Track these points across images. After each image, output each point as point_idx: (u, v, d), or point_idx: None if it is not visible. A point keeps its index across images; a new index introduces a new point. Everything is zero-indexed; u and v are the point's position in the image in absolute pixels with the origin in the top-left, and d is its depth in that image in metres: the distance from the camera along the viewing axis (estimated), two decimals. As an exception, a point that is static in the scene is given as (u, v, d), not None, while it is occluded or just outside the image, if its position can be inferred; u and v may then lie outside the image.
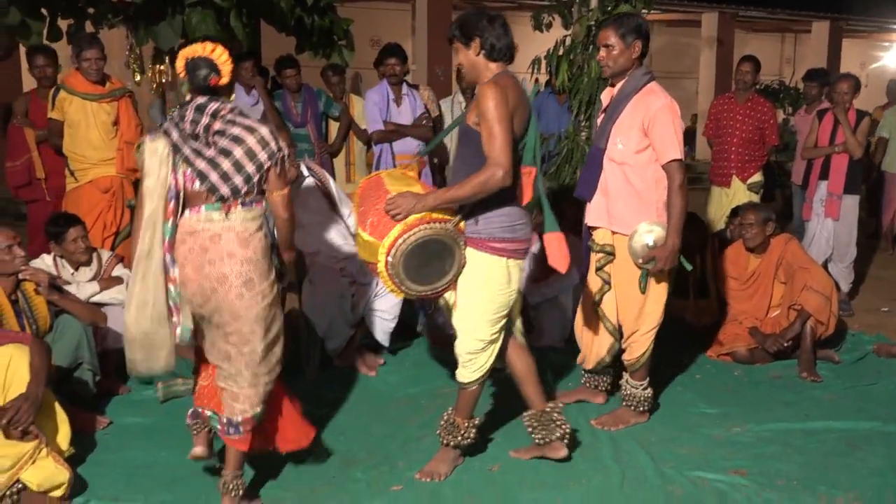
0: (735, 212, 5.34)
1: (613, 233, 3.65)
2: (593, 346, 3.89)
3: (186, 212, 2.90)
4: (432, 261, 3.05)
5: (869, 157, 7.45)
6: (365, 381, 4.41)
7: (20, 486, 2.93)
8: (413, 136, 5.99)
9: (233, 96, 3.02)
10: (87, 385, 3.88)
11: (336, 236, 4.64)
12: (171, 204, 2.86)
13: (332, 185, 4.80)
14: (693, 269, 5.01)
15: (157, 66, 7.42)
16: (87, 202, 5.03)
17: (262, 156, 2.88)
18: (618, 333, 3.78)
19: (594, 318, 3.82)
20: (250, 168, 2.86)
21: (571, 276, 4.55)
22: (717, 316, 5.02)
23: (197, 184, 2.86)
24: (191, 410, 3.14)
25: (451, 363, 3.35)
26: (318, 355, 4.50)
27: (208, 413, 3.05)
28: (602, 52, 3.59)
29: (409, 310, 4.86)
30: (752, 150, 6.07)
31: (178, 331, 2.90)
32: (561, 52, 5.47)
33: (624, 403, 3.81)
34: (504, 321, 3.20)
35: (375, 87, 6.08)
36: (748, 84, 6.12)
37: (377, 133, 5.93)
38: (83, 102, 5.02)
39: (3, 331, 3.37)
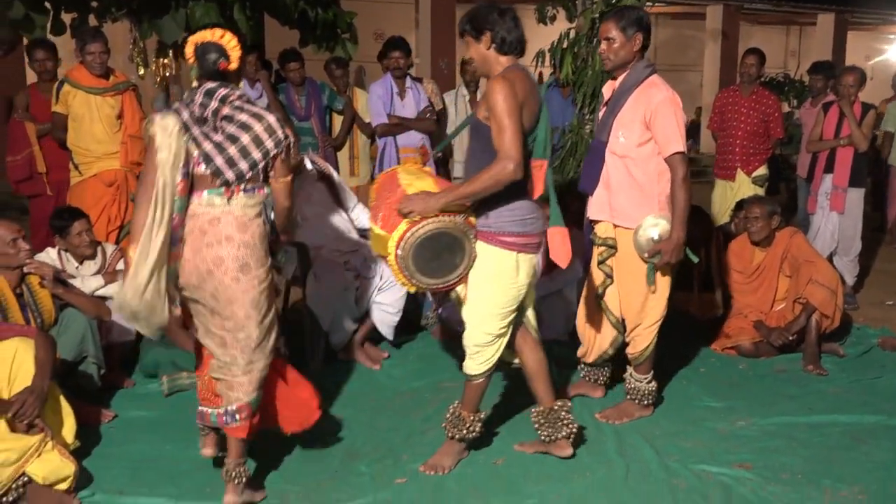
0: (740, 205, 5.32)
1: (615, 226, 3.64)
2: (595, 340, 3.88)
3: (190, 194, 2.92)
4: (443, 254, 3.06)
5: (875, 150, 7.42)
6: (369, 374, 4.41)
7: (26, 478, 2.94)
8: (417, 129, 5.99)
9: (241, 84, 3.03)
10: (91, 378, 3.89)
11: (340, 230, 4.64)
12: (183, 181, 2.87)
13: (336, 178, 4.80)
14: (698, 263, 5.02)
15: (161, 59, 7.42)
16: (92, 196, 5.04)
17: (269, 143, 2.92)
18: (621, 326, 3.78)
19: (597, 311, 3.82)
20: (256, 155, 2.90)
21: (576, 270, 4.55)
22: (721, 309, 5.02)
23: (202, 167, 2.89)
24: (198, 410, 3.14)
25: (455, 357, 3.36)
26: (323, 349, 4.51)
27: (209, 411, 3.06)
28: (603, 46, 3.58)
29: (414, 303, 4.86)
30: (756, 143, 6.05)
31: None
32: (565, 45, 5.46)
33: (628, 397, 3.81)
34: (513, 315, 3.19)
35: (379, 80, 6.07)
36: (753, 77, 6.10)
37: (381, 126, 5.93)
38: (87, 96, 5.02)
39: (9, 324, 3.38)
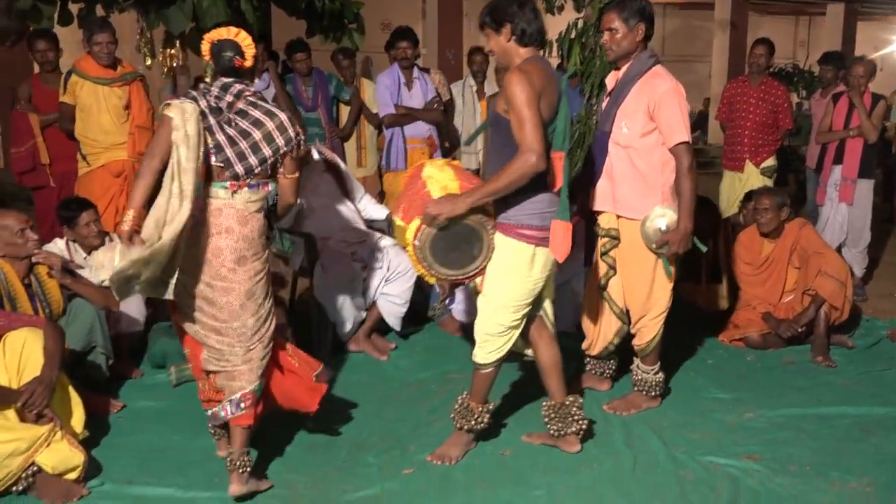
0: (748, 196, 5.29)
1: (619, 217, 3.63)
2: (600, 331, 3.87)
3: None
4: (461, 245, 3.07)
5: (884, 141, 7.38)
6: (376, 365, 4.42)
7: (35, 468, 2.95)
8: (424, 119, 5.97)
9: (257, 84, 3.05)
10: (100, 369, 3.90)
11: (347, 221, 4.64)
12: (203, 166, 2.90)
13: (344, 169, 4.79)
14: (706, 254, 5.00)
15: (168, 49, 7.41)
16: (100, 186, 5.04)
17: (280, 140, 2.99)
18: (625, 317, 3.78)
19: (601, 302, 3.81)
20: (267, 151, 2.97)
21: (583, 261, 4.54)
22: (729, 301, 5.00)
23: (213, 158, 2.93)
24: (209, 414, 3.15)
25: (462, 348, 3.36)
26: (330, 339, 4.51)
27: (216, 409, 3.07)
28: (606, 36, 3.57)
29: (421, 295, 4.86)
30: (765, 133, 6.02)
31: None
32: (573, 35, 5.43)
33: (635, 388, 3.81)
34: (527, 309, 3.19)
35: (386, 70, 6.06)
36: (762, 67, 6.06)
37: (388, 117, 5.92)
38: (95, 86, 5.02)
39: (17, 314, 3.39)
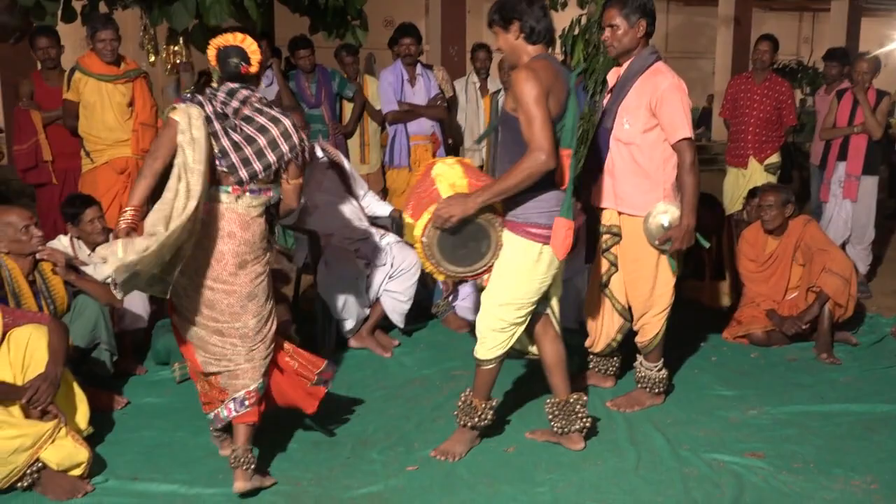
0: (752, 193, 5.29)
1: (620, 214, 3.63)
2: (603, 328, 3.87)
3: None
4: (469, 242, 3.08)
5: (889, 138, 7.35)
6: (380, 362, 4.42)
7: (40, 464, 2.96)
8: (428, 116, 5.97)
9: (261, 85, 3.08)
10: (104, 365, 3.91)
11: (351, 218, 4.64)
12: (207, 170, 2.90)
13: (347, 166, 4.79)
14: (710, 251, 4.99)
15: (171, 46, 7.40)
16: (104, 183, 5.05)
17: (284, 147, 3.01)
18: (627, 314, 3.77)
19: (603, 300, 3.81)
20: (271, 157, 2.99)
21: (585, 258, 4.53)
22: (733, 298, 5.00)
23: (217, 162, 2.94)
24: (210, 417, 3.15)
25: (465, 345, 3.36)
26: (333, 336, 4.52)
27: (218, 410, 3.08)
28: (607, 33, 3.57)
29: (424, 292, 4.86)
30: (769, 130, 6.01)
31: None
32: (576, 32, 5.43)
33: (639, 385, 3.80)
34: (532, 307, 3.18)
35: (390, 67, 6.06)
36: (766, 64, 6.04)
37: (391, 113, 5.92)
38: (98, 83, 5.03)
39: (22, 311, 3.39)
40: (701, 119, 16.09)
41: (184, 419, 3.64)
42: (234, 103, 3.00)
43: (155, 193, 2.90)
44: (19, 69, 7.54)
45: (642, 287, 3.65)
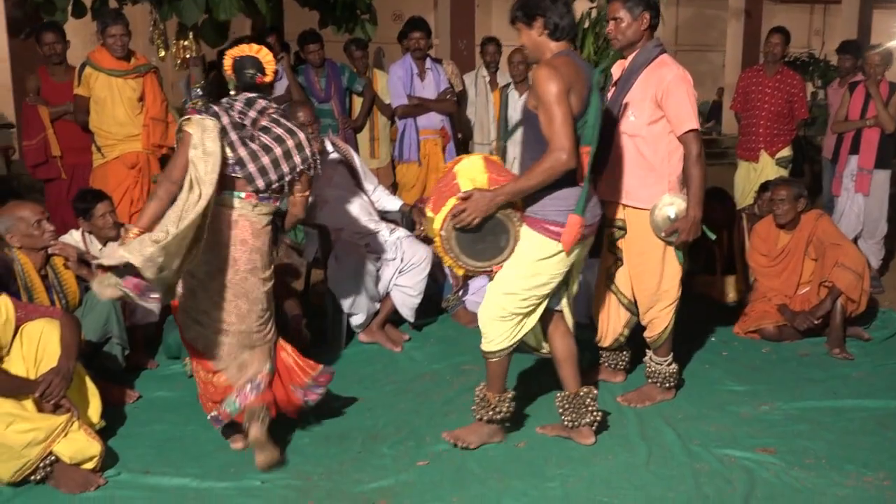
0: (764, 187, 5.26)
1: (625, 207, 3.61)
2: (610, 323, 3.86)
3: None
4: (487, 237, 3.08)
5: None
6: (390, 356, 4.43)
7: (53, 458, 2.97)
8: (437, 110, 5.97)
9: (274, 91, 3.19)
10: (116, 359, 3.93)
11: (361, 212, 4.63)
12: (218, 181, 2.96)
13: (357, 160, 4.79)
14: (720, 245, 4.97)
15: (181, 41, 7.41)
16: (114, 178, 5.06)
17: (297, 159, 3.12)
18: (634, 307, 3.76)
19: (609, 294, 3.80)
20: (285, 168, 3.09)
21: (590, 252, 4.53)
22: (743, 292, 4.98)
23: (234, 171, 3.03)
24: (210, 417, 3.22)
25: (475, 339, 3.35)
26: (344, 331, 4.52)
27: (223, 407, 3.15)
28: (611, 25, 3.56)
29: (435, 286, 4.86)
30: (781, 123, 5.98)
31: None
32: (587, 25, 5.41)
33: (649, 380, 3.79)
34: (538, 301, 3.17)
35: (399, 61, 6.05)
36: (777, 56, 6.00)
37: (401, 108, 5.91)
38: (109, 79, 5.04)
39: (34, 305, 3.41)
40: (711, 112, 16.02)
41: (195, 413, 3.64)
42: (252, 113, 3.08)
43: None
44: (27, 65, 7.56)
45: (649, 281, 3.64)
